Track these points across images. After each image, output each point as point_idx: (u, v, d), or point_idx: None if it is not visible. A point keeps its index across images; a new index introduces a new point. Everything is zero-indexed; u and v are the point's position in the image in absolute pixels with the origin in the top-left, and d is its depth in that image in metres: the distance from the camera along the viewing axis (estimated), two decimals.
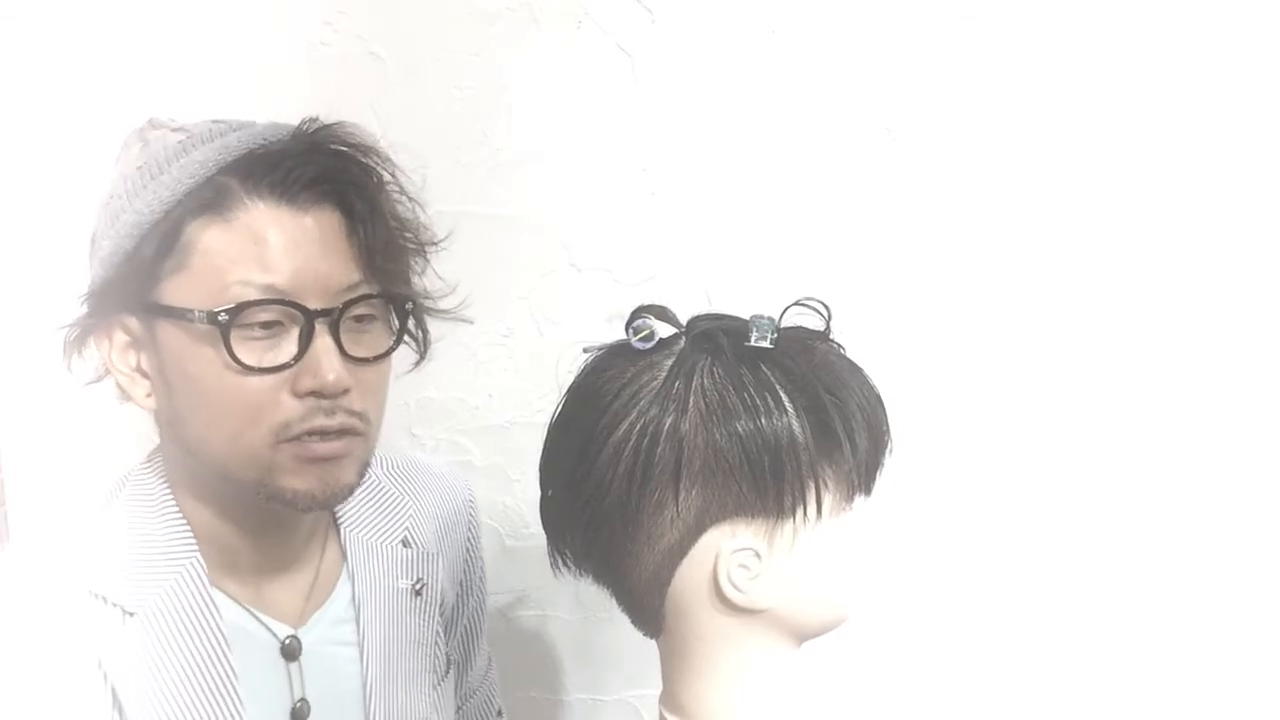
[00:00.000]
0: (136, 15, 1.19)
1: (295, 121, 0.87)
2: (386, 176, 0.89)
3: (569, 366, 0.88)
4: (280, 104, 1.22)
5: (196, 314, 0.81)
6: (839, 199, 1.23)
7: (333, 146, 0.86)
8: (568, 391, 0.87)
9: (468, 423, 1.31)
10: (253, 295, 0.81)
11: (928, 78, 1.21)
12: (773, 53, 1.21)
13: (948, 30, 1.20)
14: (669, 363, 0.82)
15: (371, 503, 0.99)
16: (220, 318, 0.80)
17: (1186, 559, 1.28)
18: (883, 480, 0.87)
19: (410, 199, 0.91)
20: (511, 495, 1.32)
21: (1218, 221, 1.23)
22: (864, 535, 0.86)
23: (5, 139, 1.20)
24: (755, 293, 0.91)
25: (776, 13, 1.20)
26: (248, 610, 0.90)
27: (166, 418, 0.87)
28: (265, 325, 0.82)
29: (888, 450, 0.86)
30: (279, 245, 0.82)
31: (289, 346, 0.82)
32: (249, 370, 0.81)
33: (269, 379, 0.82)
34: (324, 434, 0.84)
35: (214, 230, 0.82)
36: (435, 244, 0.92)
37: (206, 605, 0.87)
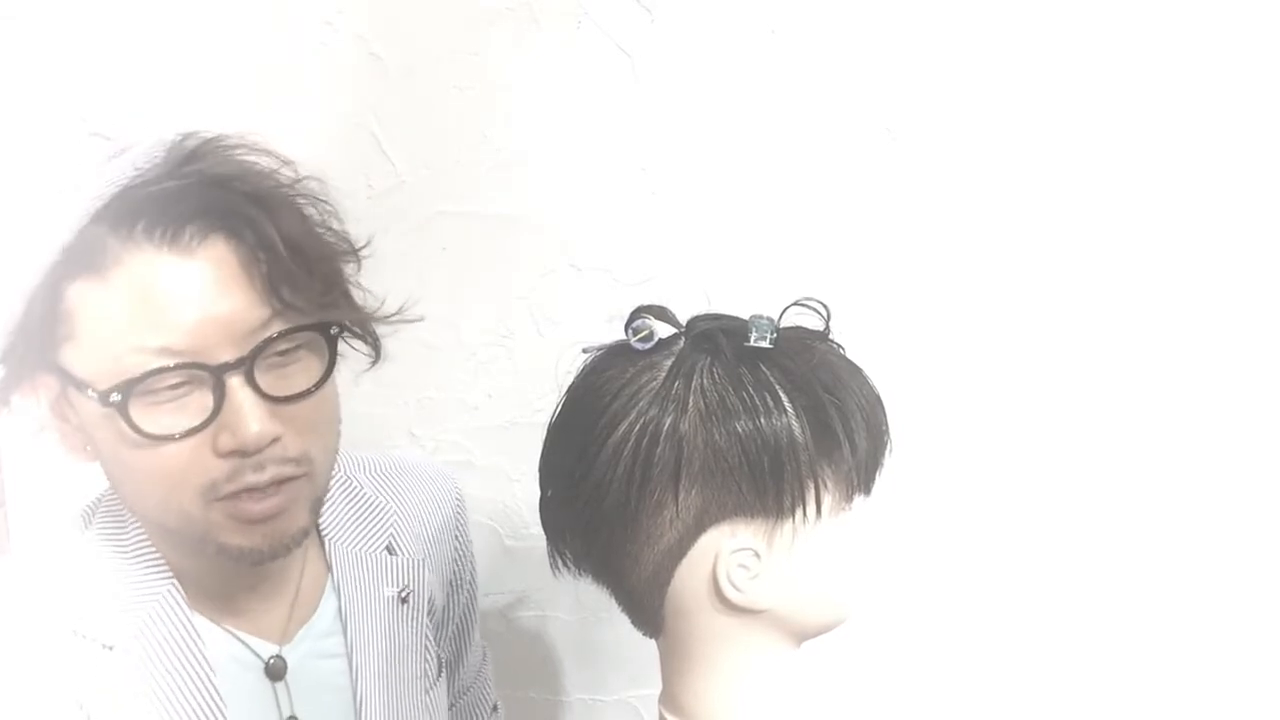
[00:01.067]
0: (136, 15, 1.19)
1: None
2: (279, 186, 0.80)
3: (569, 367, 0.88)
4: (280, 104, 1.22)
5: (90, 392, 0.74)
6: (839, 199, 1.23)
7: (210, 172, 0.77)
8: (567, 392, 0.87)
9: (468, 423, 1.31)
10: (149, 363, 0.73)
11: (928, 78, 1.21)
12: (773, 53, 1.21)
13: (948, 30, 1.20)
14: (668, 363, 0.82)
15: (354, 510, 0.96)
16: (113, 398, 0.73)
17: (1187, 559, 1.28)
18: (882, 480, 0.87)
19: (319, 200, 0.82)
20: (511, 495, 1.32)
21: (1218, 221, 1.23)
22: (863, 535, 0.86)
23: (4, 140, 1.20)
24: (755, 293, 0.91)
25: (776, 13, 1.20)
26: (229, 633, 0.87)
27: (105, 473, 0.82)
28: (172, 385, 0.74)
29: (887, 450, 0.86)
30: (167, 298, 0.73)
31: (201, 405, 0.75)
32: (157, 439, 0.74)
33: (185, 443, 0.75)
34: (258, 490, 0.77)
35: (94, 293, 0.74)
36: (355, 251, 0.84)
37: (187, 632, 0.84)
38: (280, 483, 0.78)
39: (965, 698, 1.33)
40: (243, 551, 0.80)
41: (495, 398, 1.30)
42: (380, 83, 1.23)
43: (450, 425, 1.31)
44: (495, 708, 1.16)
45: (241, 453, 0.76)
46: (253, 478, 0.77)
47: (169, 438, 0.75)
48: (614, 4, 1.20)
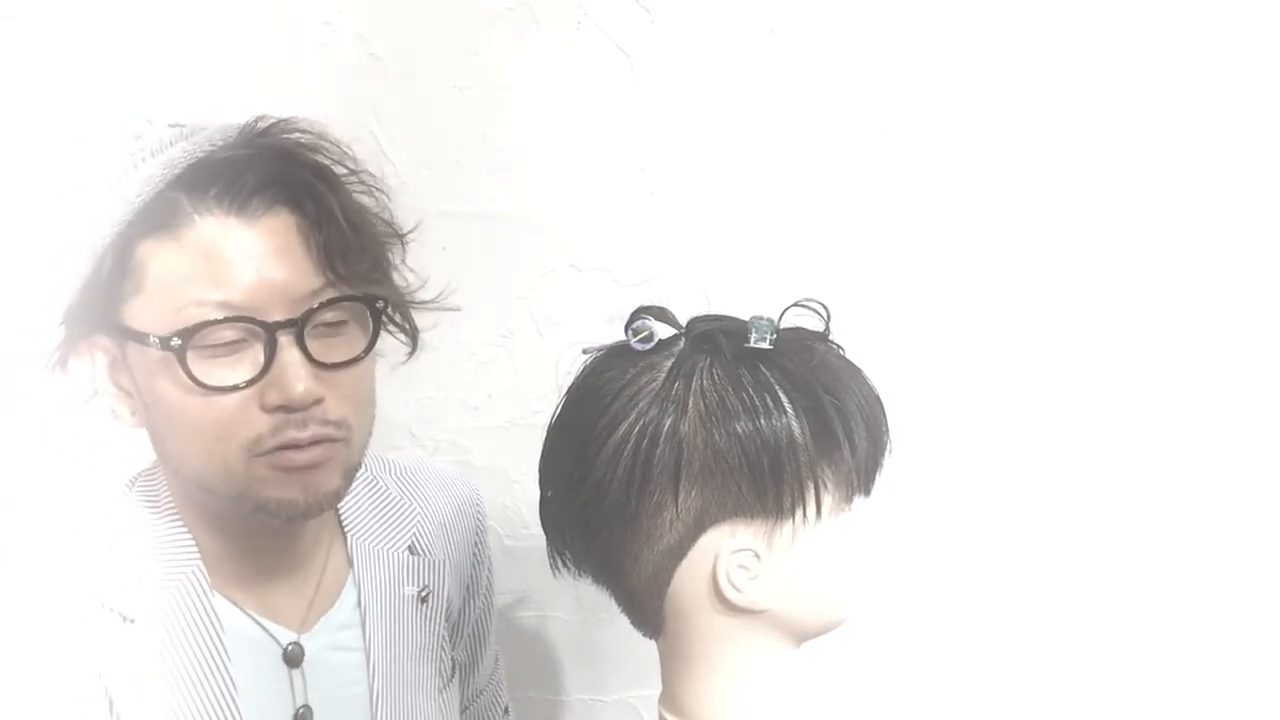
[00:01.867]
0: (137, 16, 1.19)
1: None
2: (342, 172, 0.86)
3: (569, 367, 0.88)
4: (280, 104, 1.22)
5: (152, 339, 0.80)
6: (839, 199, 1.23)
7: (280, 148, 0.84)
8: (567, 392, 0.87)
9: (468, 423, 1.31)
10: (208, 315, 0.79)
11: (927, 77, 1.21)
12: (773, 53, 1.21)
13: (948, 30, 1.20)
14: (668, 364, 0.82)
15: (378, 509, 0.98)
16: (173, 343, 0.79)
17: (1186, 559, 1.28)
18: (882, 480, 0.87)
19: (376, 190, 0.88)
20: (511, 495, 1.32)
21: (1218, 220, 1.23)
22: (863, 536, 0.86)
23: (4, 140, 1.20)
24: (754, 293, 0.91)
25: (776, 13, 1.20)
26: (250, 616, 0.89)
27: (150, 435, 0.86)
28: (228, 342, 0.80)
29: (887, 451, 0.86)
30: (231, 259, 0.79)
31: (254, 361, 0.80)
32: (211, 390, 0.79)
33: (235, 396, 0.80)
34: (299, 447, 0.81)
35: (165, 250, 0.80)
36: (403, 236, 0.89)
37: (206, 612, 0.87)
38: (319, 442, 0.82)
39: (965, 698, 1.33)
40: (280, 504, 0.83)
41: (495, 398, 1.30)
42: (380, 83, 1.23)
43: (450, 425, 1.31)
44: (507, 710, 1.17)
45: (287, 409, 0.80)
46: (295, 434, 0.81)
47: (221, 389, 0.79)
48: (614, 4, 1.20)
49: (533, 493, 0.89)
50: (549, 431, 0.88)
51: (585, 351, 0.88)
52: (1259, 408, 1.26)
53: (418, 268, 1.26)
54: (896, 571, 1.28)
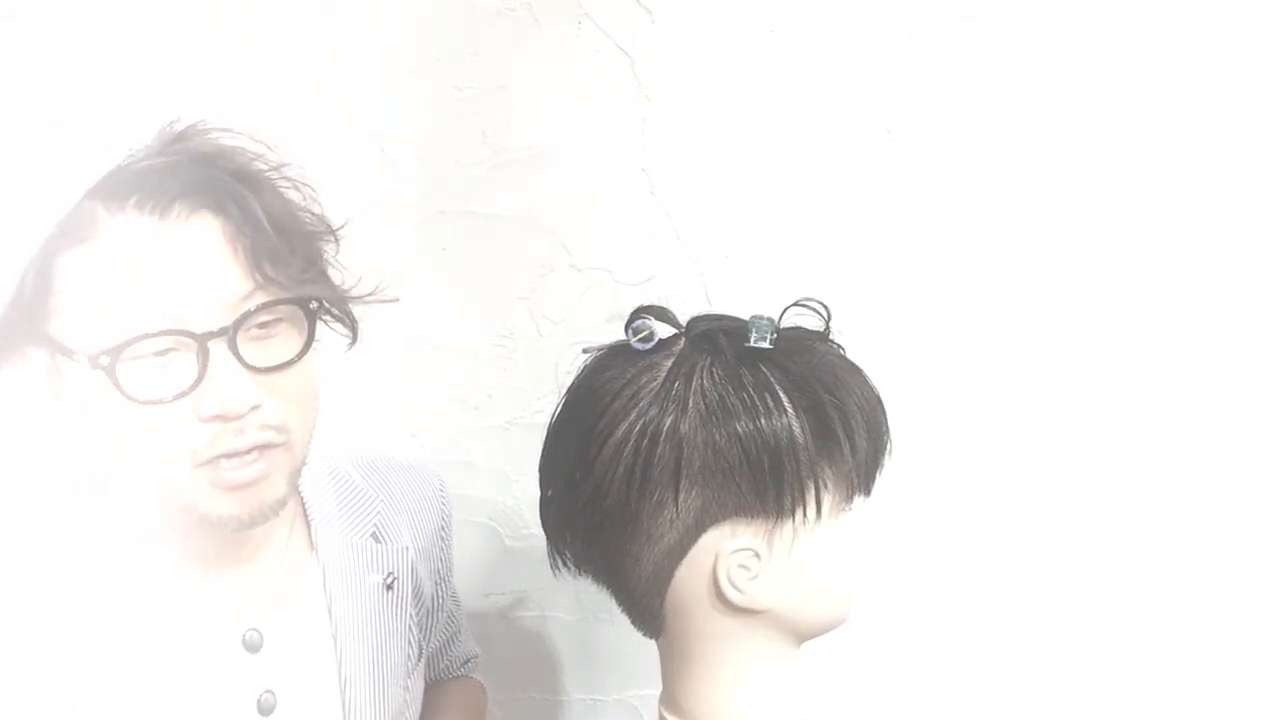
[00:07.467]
0: (136, 16, 1.19)
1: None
2: (264, 169, 0.83)
3: (569, 367, 0.88)
4: (280, 104, 1.22)
5: (79, 355, 0.77)
6: (839, 199, 1.23)
7: (198, 152, 0.82)
8: (567, 392, 0.87)
9: (468, 423, 1.31)
10: (135, 328, 0.76)
11: (928, 78, 1.21)
12: (773, 53, 1.21)
13: (948, 30, 1.20)
14: (668, 363, 0.82)
15: (341, 497, 0.98)
16: (102, 360, 0.76)
17: (1187, 559, 1.28)
18: (883, 480, 0.87)
19: (302, 185, 0.85)
20: (511, 495, 1.32)
21: (1218, 221, 1.23)
22: (863, 536, 0.86)
23: (4, 139, 1.20)
24: (755, 293, 0.91)
25: (776, 13, 1.20)
26: (208, 603, 0.88)
27: (92, 443, 0.83)
28: (159, 353, 0.77)
29: (887, 451, 0.86)
30: (156, 269, 0.77)
31: (187, 370, 0.78)
32: (144, 404, 0.77)
33: (169, 408, 0.78)
34: (238, 455, 0.80)
35: (86, 263, 0.77)
36: (334, 230, 0.87)
37: (162, 599, 0.86)
38: (260, 448, 0.81)
39: (965, 697, 1.33)
40: (223, 519, 0.82)
41: (495, 398, 1.30)
42: (380, 83, 1.23)
43: (450, 425, 1.31)
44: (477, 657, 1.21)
45: (223, 418, 0.79)
46: (233, 442, 0.80)
47: (154, 401, 0.78)
48: (614, 4, 1.20)
49: (533, 492, 0.89)
50: (549, 431, 0.88)
51: (585, 351, 0.88)
52: (1259, 408, 1.26)
53: (419, 268, 1.26)
54: (897, 571, 1.28)
